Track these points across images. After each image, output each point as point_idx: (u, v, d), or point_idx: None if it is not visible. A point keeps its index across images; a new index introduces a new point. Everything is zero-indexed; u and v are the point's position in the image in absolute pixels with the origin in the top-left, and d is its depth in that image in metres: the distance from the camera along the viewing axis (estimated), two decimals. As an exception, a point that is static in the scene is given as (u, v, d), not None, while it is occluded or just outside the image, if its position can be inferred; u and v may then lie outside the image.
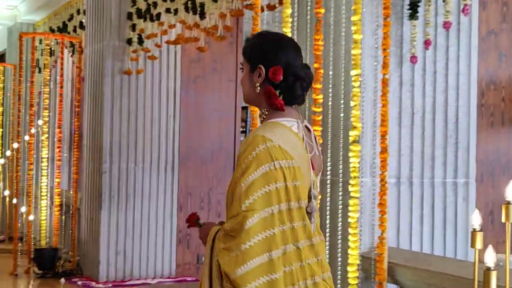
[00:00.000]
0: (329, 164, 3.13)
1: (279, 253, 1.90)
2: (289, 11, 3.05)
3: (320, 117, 3.03)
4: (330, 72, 3.19)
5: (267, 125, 2.01)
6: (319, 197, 2.23)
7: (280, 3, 3.59)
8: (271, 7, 3.59)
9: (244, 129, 6.81)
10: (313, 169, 2.01)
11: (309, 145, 2.01)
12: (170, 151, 6.16)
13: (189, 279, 6.08)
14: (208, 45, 5.29)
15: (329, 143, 3.15)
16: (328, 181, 3.17)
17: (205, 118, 6.41)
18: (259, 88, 2.04)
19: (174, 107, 6.21)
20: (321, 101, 3.04)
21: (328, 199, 3.15)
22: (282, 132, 1.97)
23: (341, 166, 3.15)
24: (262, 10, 3.25)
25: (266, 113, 2.06)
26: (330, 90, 3.19)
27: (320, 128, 3.04)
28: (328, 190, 3.16)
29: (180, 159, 6.19)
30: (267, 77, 2.03)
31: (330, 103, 3.18)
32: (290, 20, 3.06)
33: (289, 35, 3.06)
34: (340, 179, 3.19)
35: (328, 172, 3.15)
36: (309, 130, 2.08)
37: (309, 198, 1.98)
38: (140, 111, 6.05)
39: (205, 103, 6.42)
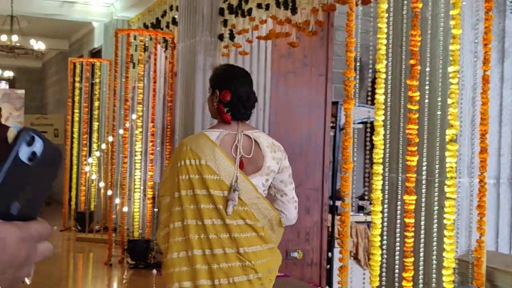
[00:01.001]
0: (424, 163, 3.03)
1: (177, 225, 2.65)
2: (385, 6, 2.97)
3: (416, 115, 2.94)
4: (427, 69, 3.08)
5: (196, 134, 2.95)
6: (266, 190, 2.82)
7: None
8: (365, 1, 3.52)
9: (334, 124, 6.73)
10: (241, 167, 2.67)
11: (238, 149, 2.70)
12: (260, 146, 6.17)
13: (277, 274, 6.07)
14: (298, 40, 5.25)
15: (425, 141, 3.04)
16: (424, 181, 3.06)
17: (295, 113, 6.38)
18: (216, 105, 2.80)
19: (264, 102, 6.21)
20: (417, 98, 2.94)
21: (424, 199, 3.05)
22: (198, 139, 2.72)
23: (437, 165, 3.04)
24: (356, 4, 3.18)
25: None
26: (427, 87, 3.08)
27: (416, 127, 2.94)
28: (424, 190, 3.06)
29: (269, 154, 6.18)
30: (220, 98, 2.77)
31: (426, 101, 3.07)
32: (386, 15, 2.98)
33: (385, 30, 2.98)
34: (436, 179, 3.07)
35: (424, 172, 3.04)
36: (250, 138, 2.75)
37: (231, 189, 2.63)
38: (230, 106, 6.10)
39: (295, 98, 6.39)
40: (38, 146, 0.75)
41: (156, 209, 6.92)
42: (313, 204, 6.45)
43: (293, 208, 2.84)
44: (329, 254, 6.66)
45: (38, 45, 10.46)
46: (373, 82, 3.08)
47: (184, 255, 2.64)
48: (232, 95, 2.75)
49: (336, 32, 7.55)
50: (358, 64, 3.09)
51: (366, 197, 7.39)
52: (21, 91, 11.29)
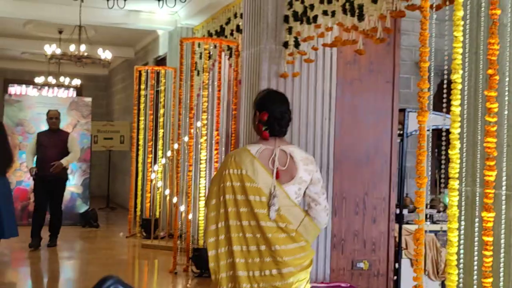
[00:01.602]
0: (504, 177, 2.87)
1: (222, 224, 3.14)
2: (460, 13, 2.83)
3: (495, 128, 2.79)
4: (506, 79, 2.93)
5: (240, 148, 3.59)
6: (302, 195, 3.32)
7: (450, 2, 3.37)
8: (438, 7, 3.38)
9: (402, 132, 6.56)
10: (277, 177, 3.15)
11: (274, 161, 3.17)
12: (325, 154, 6.05)
13: (343, 285, 5.97)
14: (364, 46, 5.12)
15: (505, 154, 2.89)
16: (503, 196, 2.91)
17: (360, 121, 6.25)
18: (256, 124, 3.30)
19: (330, 109, 6.10)
20: (496, 110, 2.79)
21: (503, 215, 2.89)
22: (241, 152, 3.23)
23: (517, 179, 2.89)
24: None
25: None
26: (506, 98, 2.93)
27: (495, 140, 2.79)
28: (503, 206, 2.90)
29: (334, 162, 6.07)
30: (260, 118, 3.27)
31: (506, 112, 2.92)
32: (462, 23, 2.84)
33: (461, 39, 2.84)
34: (516, 194, 2.92)
35: (503, 187, 2.89)
36: (285, 152, 3.22)
37: (271, 195, 3.11)
38: (295, 114, 6.00)
39: (361, 105, 6.26)
40: None
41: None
42: (380, 214, 6.30)
43: (324, 215, 3.30)
44: (396, 265, 6.49)
45: (105, 54, 10.64)
46: (448, 90, 2.94)
47: (225, 250, 3.14)
48: (269, 115, 3.24)
49: (401, 37, 7.38)
50: (432, 74, 2.97)
51: (441, 208, 7.17)
52: (88, 99, 11.51)
